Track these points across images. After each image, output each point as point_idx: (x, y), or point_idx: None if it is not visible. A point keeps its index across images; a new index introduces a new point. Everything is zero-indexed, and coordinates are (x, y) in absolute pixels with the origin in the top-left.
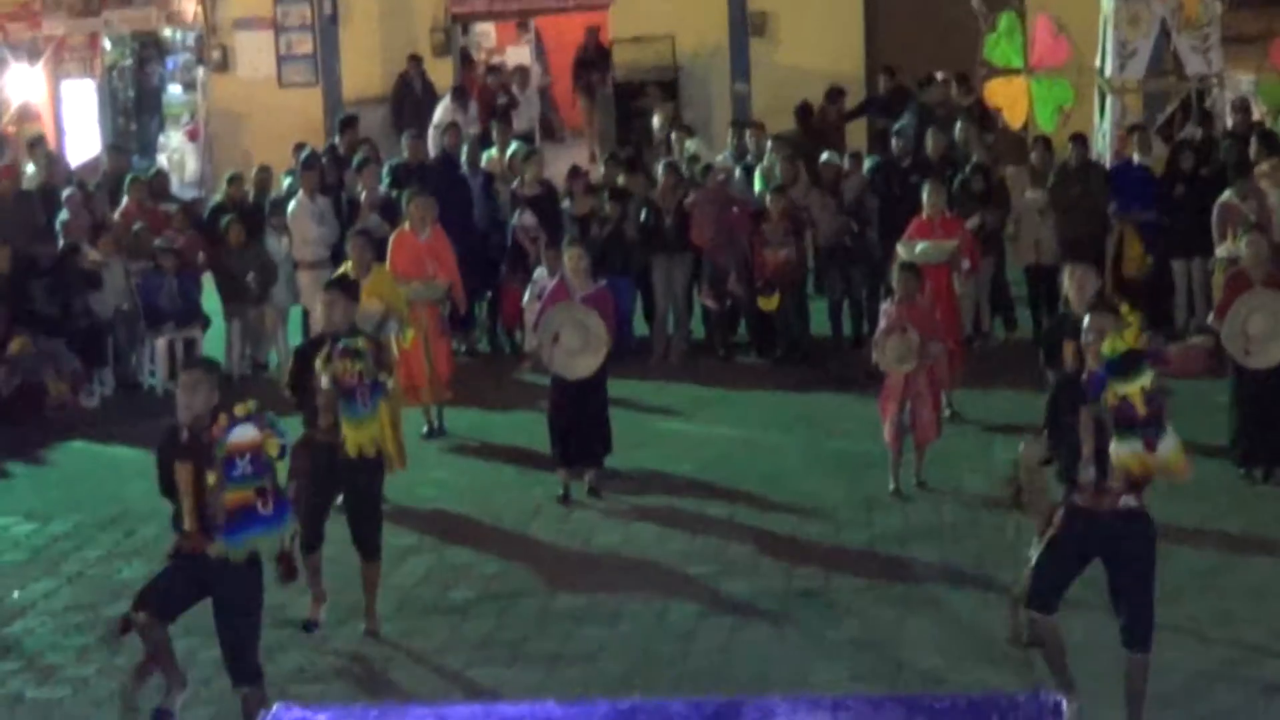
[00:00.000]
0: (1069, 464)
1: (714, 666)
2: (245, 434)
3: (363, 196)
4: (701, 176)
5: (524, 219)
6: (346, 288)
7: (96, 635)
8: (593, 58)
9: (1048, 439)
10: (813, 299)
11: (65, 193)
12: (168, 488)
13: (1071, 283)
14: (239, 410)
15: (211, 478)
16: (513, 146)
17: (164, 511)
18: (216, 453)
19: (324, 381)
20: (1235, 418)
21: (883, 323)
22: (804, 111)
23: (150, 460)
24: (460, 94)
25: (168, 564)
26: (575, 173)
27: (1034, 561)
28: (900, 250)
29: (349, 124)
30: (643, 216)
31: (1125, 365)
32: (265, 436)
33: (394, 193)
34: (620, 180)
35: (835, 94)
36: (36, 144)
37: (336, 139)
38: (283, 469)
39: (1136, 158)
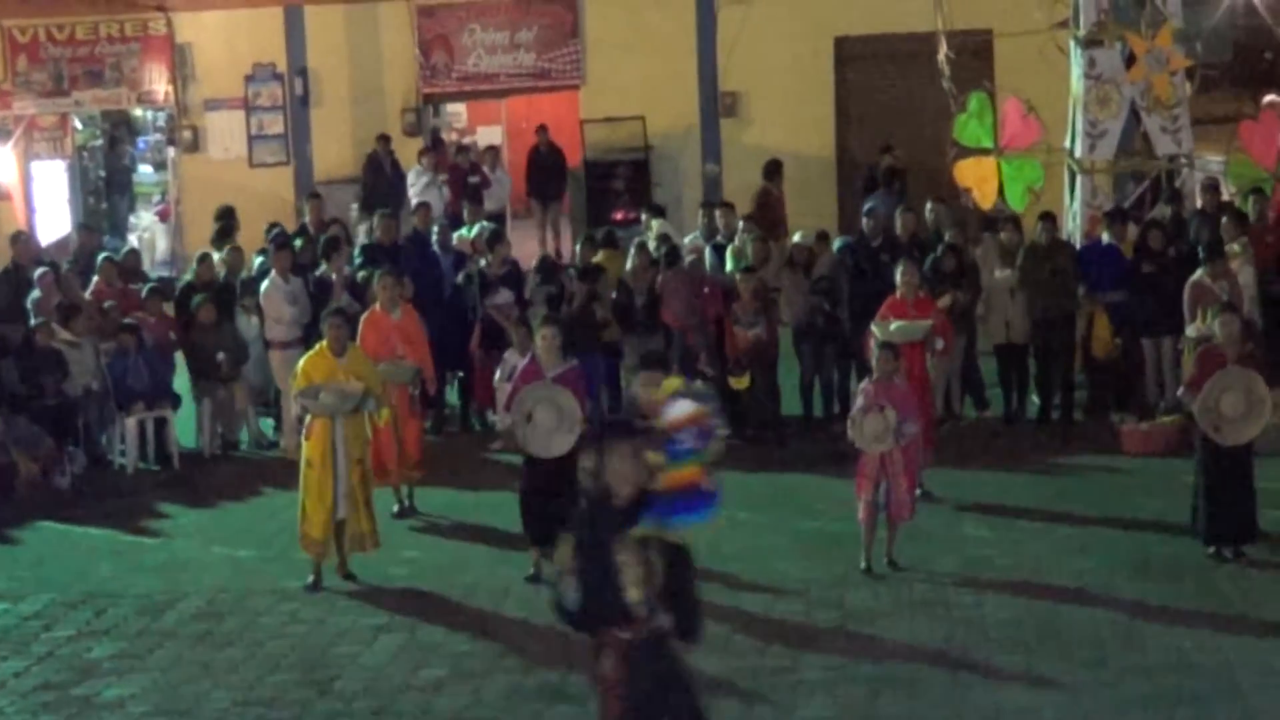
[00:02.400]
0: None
1: None
2: (684, 408)
3: (333, 277)
4: (665, 258)
5: (499, 297)
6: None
7: (65, 715)
8: (546, 160)
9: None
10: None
11: (37, 272)
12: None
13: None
14: (669, 386)
15: (655, 457)
16: (477, 227)
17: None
18: (657, 427)
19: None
20: (1201, 496)
21: (860, 401)
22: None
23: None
24: (429, 151)
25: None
26: (545, 262)
27: None
28: (875, 330)
29: (315, 197)
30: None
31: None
32: (703, 408)
33: (363, 272)
34: (599, 258)
35: (773, 168)
36: (18, 237)
37: (306, 219)
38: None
39: (1106, 238)
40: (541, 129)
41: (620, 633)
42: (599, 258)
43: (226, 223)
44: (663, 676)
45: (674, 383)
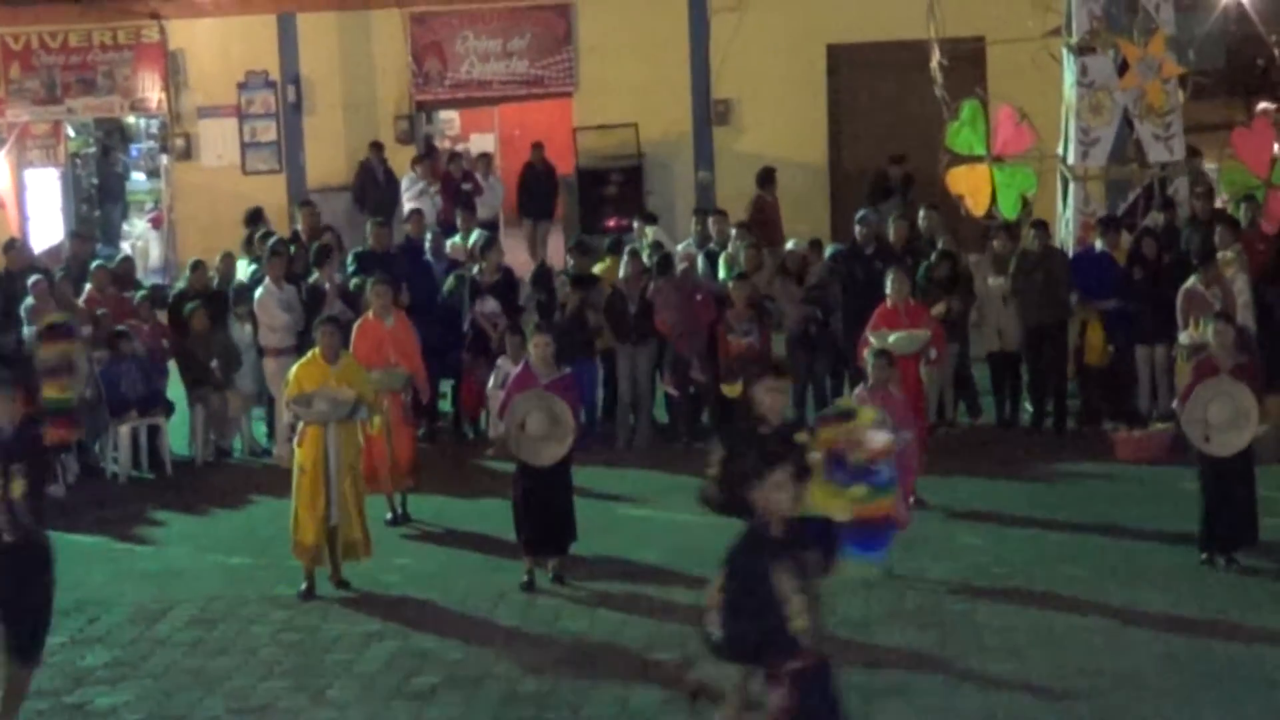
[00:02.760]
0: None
1: None
2: (883, 438)
3: (327, 285)
4: (657, 266)
5: (485, 305)
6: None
7: None
8: (540, 177)
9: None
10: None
11: (30, 279)
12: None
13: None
14: (865, 417)
15: (859, 490)
16: (475, 234)
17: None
18: (853, 458)
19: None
20: (1201, 503)
21: None
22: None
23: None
24: (423, 160)
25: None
26: (542, 266)
27: None
28: (873, 340)
29: (308, 204)
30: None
31: None
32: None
33: (355, 280)
34: (600, 266)
35: (767, 175)
36: (11, 245)
37: (299, 227)
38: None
39: (1099, 245)
40: (537, 146)
41: (789, 663)
42: (600, 266)
43: (257, 225)
44: (831, 704)
45: (870, 413)
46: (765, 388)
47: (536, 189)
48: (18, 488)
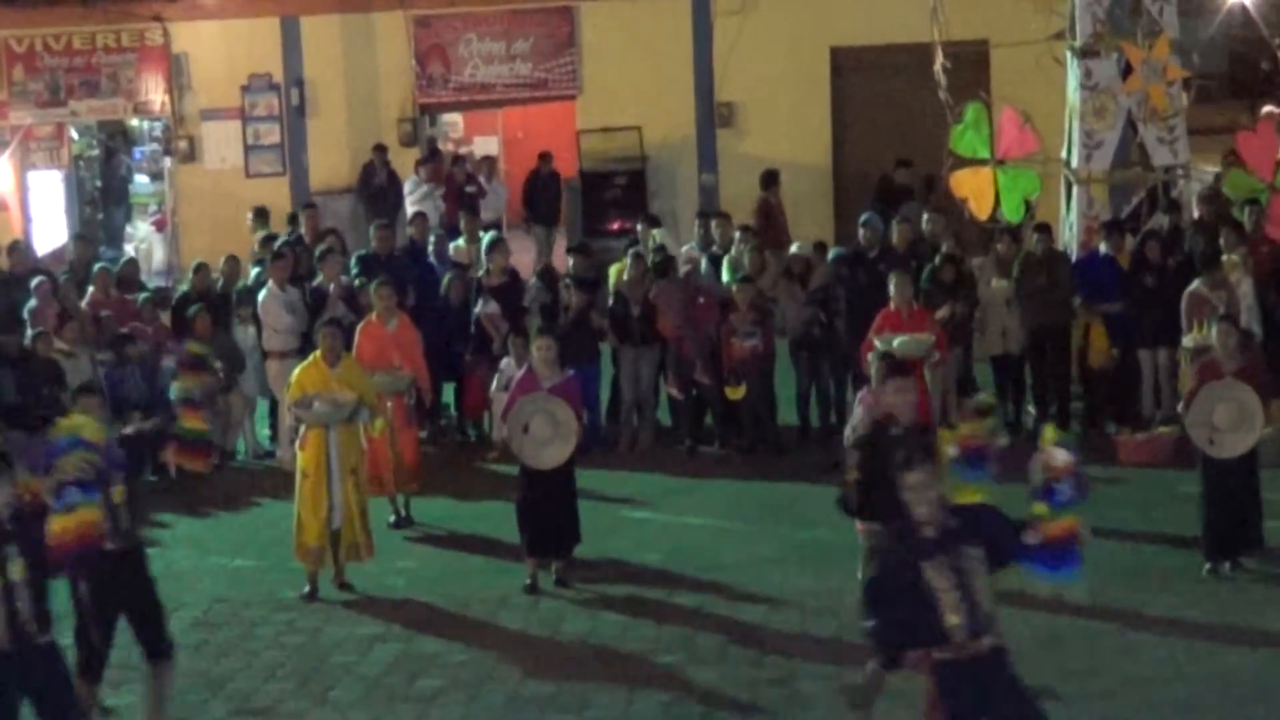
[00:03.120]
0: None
1: None
2: (1065, 456)
3: (330, 287)
4: (658, 270)
5: (489, 308)
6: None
7: None
8: (546, 185)
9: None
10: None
11: (34, 281)
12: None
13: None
14: (1049, 435)
15: (1041, 508)
16: (488, 236)
17: None
18: (1035, 477)
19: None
20: (1202, 507)
21: (859, 411)
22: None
23: None
24: (426, 162)
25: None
26: (547, 269)
27: None
28: (877, 343)
29: (311, 207)
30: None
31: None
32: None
33: (359, 282)
34: (615, 269)
35: (770, 177)
36: (14, 247)
37: (301, 228)
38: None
39: (1104, 249)
40: (544, 156)
41: (936, 653)
42: (615, 268)
43: (263, 222)
44: (985, 695)
45: (1052, 432)
46: (893, 388)
47: (544, 196)
48: (119, 494)
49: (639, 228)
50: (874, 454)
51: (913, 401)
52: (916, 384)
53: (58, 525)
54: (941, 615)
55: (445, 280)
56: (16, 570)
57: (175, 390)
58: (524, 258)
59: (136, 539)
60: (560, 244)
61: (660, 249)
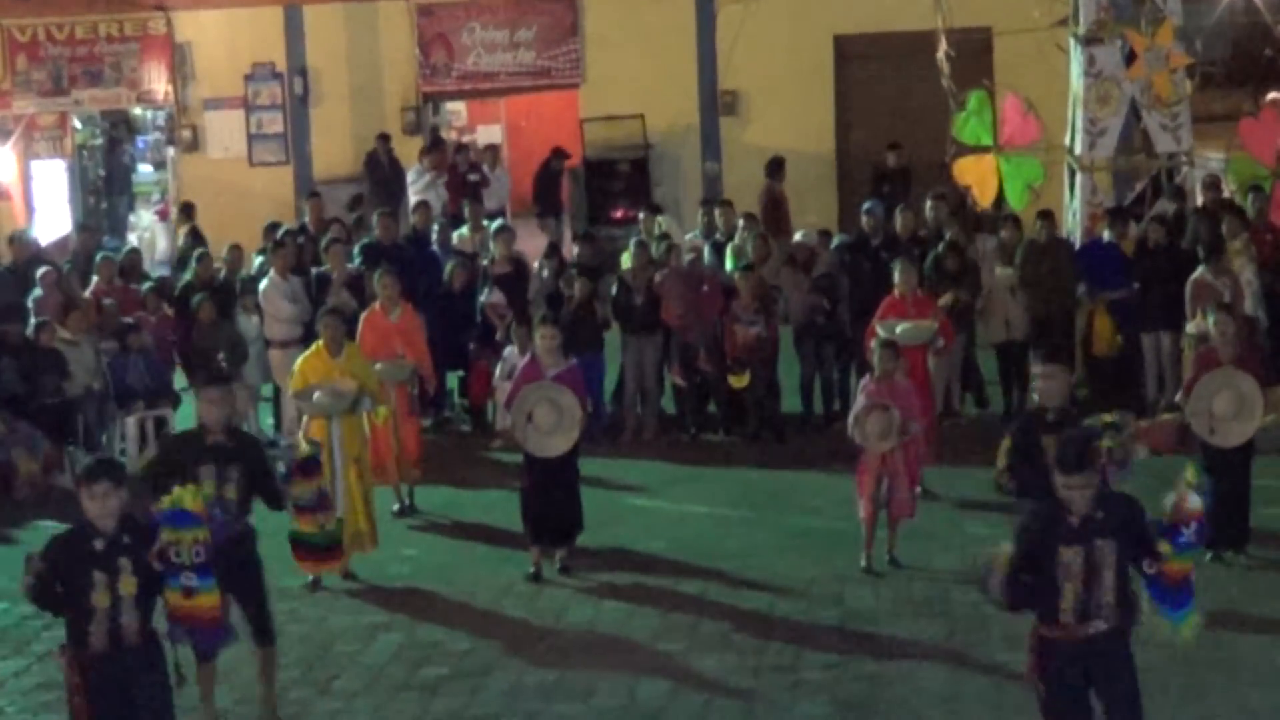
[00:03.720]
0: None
1: None
2: (1197, 503)
3: (333, 275)
4: (664, 255)
5: (493, 296)
6: None
7: (65, 715)
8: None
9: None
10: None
11: (39, 271)
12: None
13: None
14: (1191, 475)
15: (1165, 546)
16: (496, 224)
17: None
18: (1165, 513)
19: None
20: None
21: (861, 399)
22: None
23: None
24: (430, 151)
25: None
26: (553, 250)
27: None
28: (880, 330)
29: (315, 196)
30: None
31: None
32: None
33: (363, 270)
34: (626, 257)
35: (776, 165)
36: (17, 236)
37: (306, 218)
38: None
39: (1107, 235)
40: (558, 152)
41: (1046, 630)
42: (627, 255)
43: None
44: (1087, 676)
45: (1194, 474)
46: (1044, 374)
47: (551, 189)
48: (232, 490)
49: (642, 216)
50: (1028, 439)
51: (1061, 387)
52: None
53: (173, 600)
54: (1060, 597)
55: (448, 269)
56: (129, 586)
57: (291, 497)
58: (530, 245)
59: (245, 528)
60: (566, 233)
61: (664, 236)
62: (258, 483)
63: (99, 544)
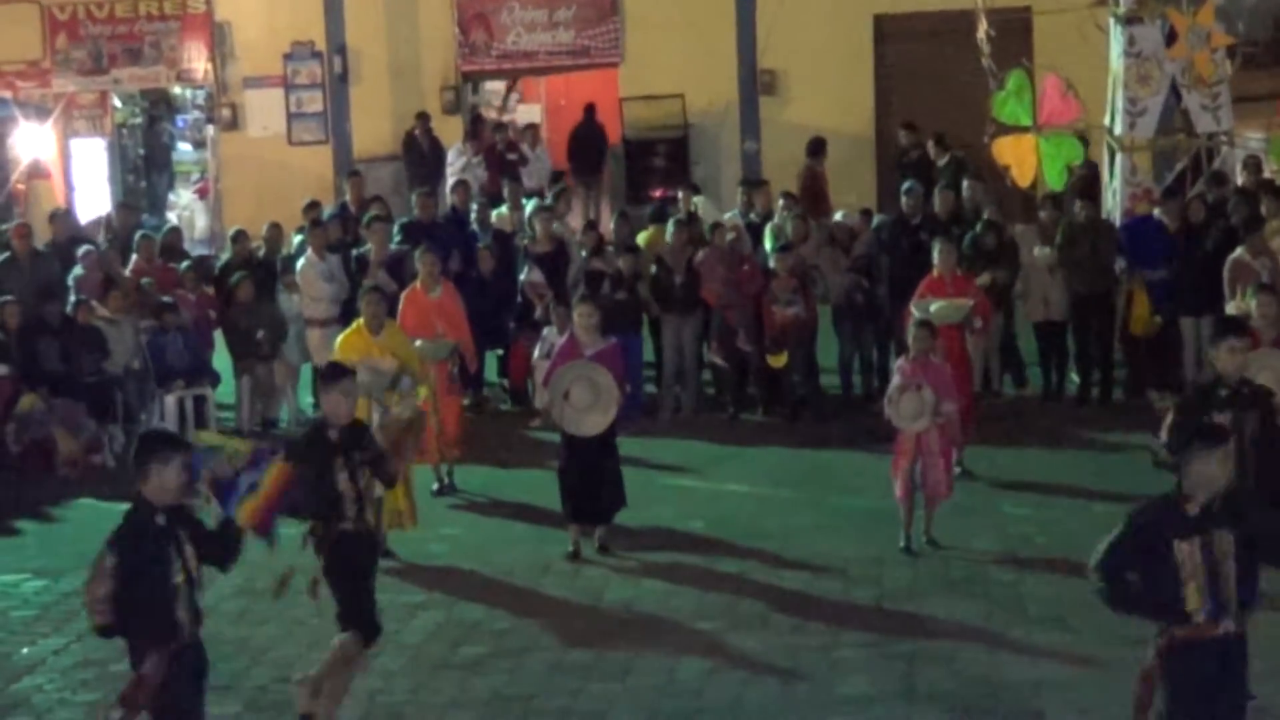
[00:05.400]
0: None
1: None
2: None
3: (371, 254)
4: (710, 233)
5: (532, 275)
6: None
7: (104, 692)
8: (585, 136)
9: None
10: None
11: (80, 250)
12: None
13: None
14: None
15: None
16: (532, 203)
17: None
18: None
19: None
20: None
21: (896, 379)
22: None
23: None
24: (471, 135)
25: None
26: (591, 227)
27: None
28: (915, 310)
29: (355, 175)
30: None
31: None
32: None
33: (404, 249)
34: (644, 235)
35: (817, 145)
36: (56, 214)
37: (346, 196)
38: None
39: (1157, 214)
40: (589, 108)
41: (1176, 629)
42: (643, 235)
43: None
44: (1214, 680)
45: None
46: (1227, 348)
47: (587, 151)
48: (345, 482)
49: (679, 195)
50: (1198, 409)
51: (1242, 363)
52: (950, 347)
53: (249, 506)
54: (1185, 594)
55: (481, 248)
56: (194, 560)
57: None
58: (572, 221)
59: (367, 524)
60: (605, 208)
61: (690, 215)
62: None
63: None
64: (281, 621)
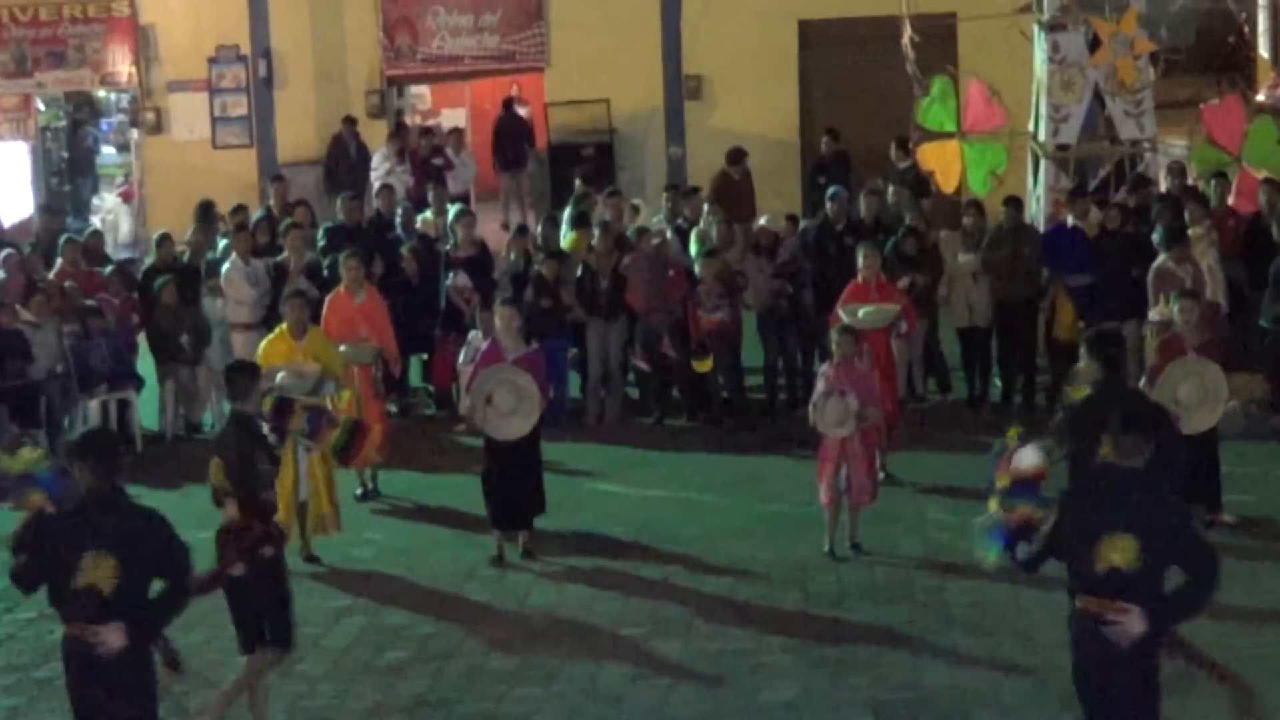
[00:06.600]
0: None
1: None
2: (1030, 459)
3: (291, 261)
4: (635, 237)
5: (458, 280)
6: None
7: (27, 697)
8: (509, 129)
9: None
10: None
11: (1, 254)
12: None
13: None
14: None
15: (993, 504)
16: (454, 208)
17: None
18: (999, 483)
19: None
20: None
21: (821, 385)
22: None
23: None
24: (395, 139)
25: None
26: (522, 231)
27: None
28: (843, 315)
29: (279, 179)
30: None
31: None
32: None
33: (327, 255)
34: (568, 239)
35: (737, 155)
36: None
37: (271, 201)
38: None
39: (1070, 221)
40: (507, 101)
41: (1079, 600)
42: (568, 239)
43: (206, 216)
44: (1104, 657)
45: (1013, 433)
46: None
47: (509, 141)
48: None
49: (600, 199)
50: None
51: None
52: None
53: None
54: (1096, 563)
55: (404, 252)
56: None
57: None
58: (488, 230)
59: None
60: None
61: (582, 215)
62: None
63: None
64: (206, 627)
